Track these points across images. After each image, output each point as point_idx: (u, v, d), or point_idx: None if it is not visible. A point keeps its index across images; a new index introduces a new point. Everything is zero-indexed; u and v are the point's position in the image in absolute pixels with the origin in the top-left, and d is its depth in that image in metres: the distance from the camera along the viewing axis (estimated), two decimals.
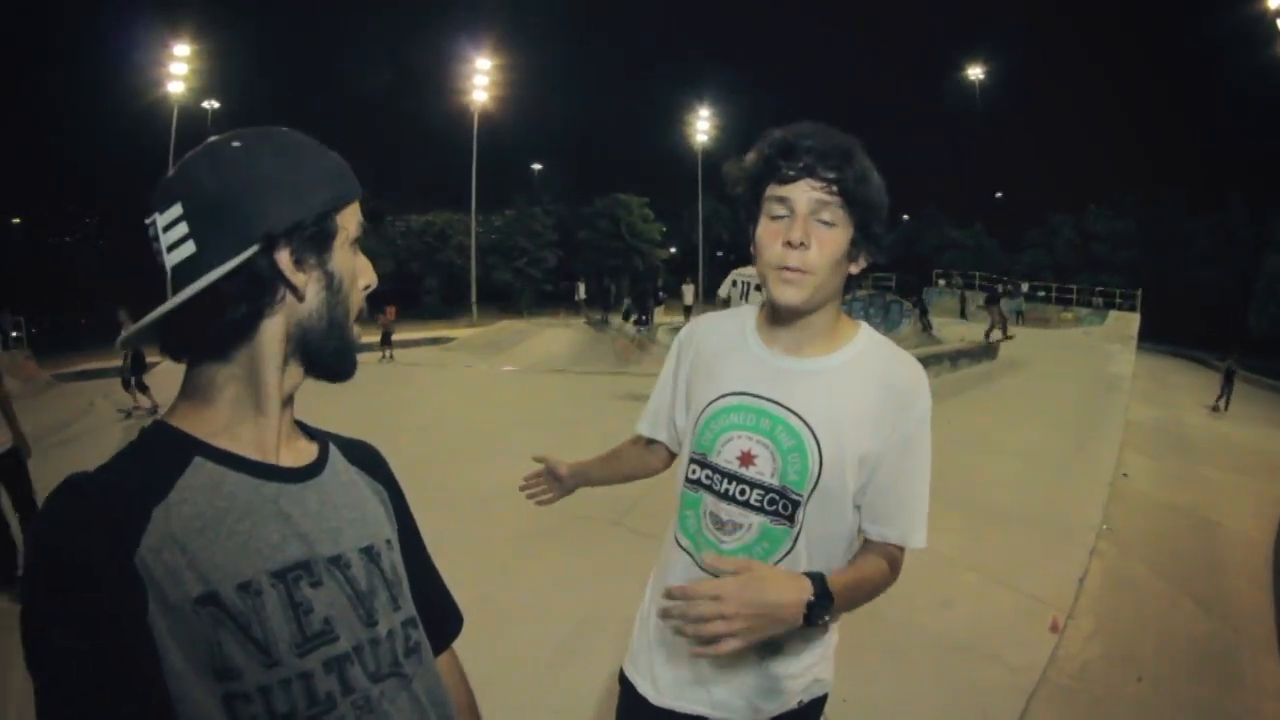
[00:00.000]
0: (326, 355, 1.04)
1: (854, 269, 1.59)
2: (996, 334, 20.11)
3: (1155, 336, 28.34)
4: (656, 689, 1.77)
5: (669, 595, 1.34)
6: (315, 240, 0.99)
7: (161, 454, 0.94)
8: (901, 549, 1.63)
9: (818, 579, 1.43)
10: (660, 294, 30.98)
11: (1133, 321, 27.04)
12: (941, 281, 36.42)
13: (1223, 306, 36.46)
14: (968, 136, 58.43)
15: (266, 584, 0.91)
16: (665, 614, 1.34)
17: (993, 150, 57.31)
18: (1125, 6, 58.48)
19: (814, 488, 1.57)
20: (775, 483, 1.59)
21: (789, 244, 1.50)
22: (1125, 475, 8.57)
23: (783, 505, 1.59)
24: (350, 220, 1.05)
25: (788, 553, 1.61)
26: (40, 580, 0.82)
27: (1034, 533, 6.29)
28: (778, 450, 1.59)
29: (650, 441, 2.00)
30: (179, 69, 33.48)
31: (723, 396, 1.66)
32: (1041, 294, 34.23)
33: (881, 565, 1.60)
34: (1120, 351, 20.75)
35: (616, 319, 27.48)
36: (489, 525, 6.05)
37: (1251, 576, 6.12)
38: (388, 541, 1.12)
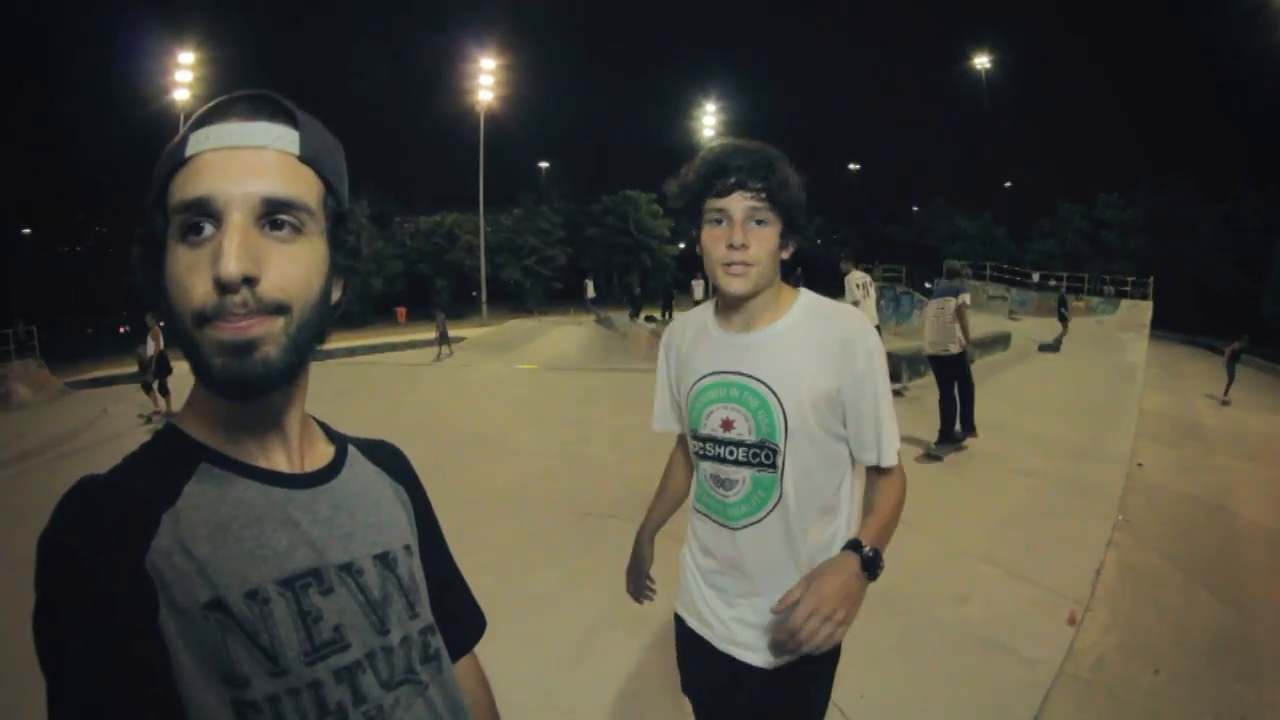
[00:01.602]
0: (197, 375, 0.92)
1: (785, 254, 1.89)
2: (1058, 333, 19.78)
3: (1167, 325, 28.13)
4: (703, 623, 2.08)
5: (780, 643, 1.60)
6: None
7: (170, 459, 0.94)
8: (889, 467, 1.90)
9: (854, 544, 1.70)
10: (674, 289, 30.95)
11: (1145, 310, 26.82)
12: None
13: (1234, 294, 36.21)
14: (976, 126, 58.24)
15: (274, 592, 0.90)
16: (779, 649, 1.64)
17: (1001, 140, 57.12)
18: None
19: (786, 434, 1.85)
20: (753, 439, 1.88)
21: (731, 246, 1.80)
22: (1140, 465, 8.52)
23: (764, 455, 1.88)
24: (174, 195, 0.90)
25: (779, 498, 1.89)
26: (52, 581, 0.81)
27: (1050, 524, 6.27)
28: (749, 411, 1.88)
29: (677, 443, 2.34)
30: (185, 76, 33.55)
31: (700, 379, 1.97)
32: (1052, 283, 34.01)
33: (888, 490, 1.89)
34: (1133, 340, 20.62)
35: (623, 317, 27.49)
36: (501, 523, 6.08)
37: (1269, 566, 6.07)
38: (406, 547, 1.10)
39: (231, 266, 0.84)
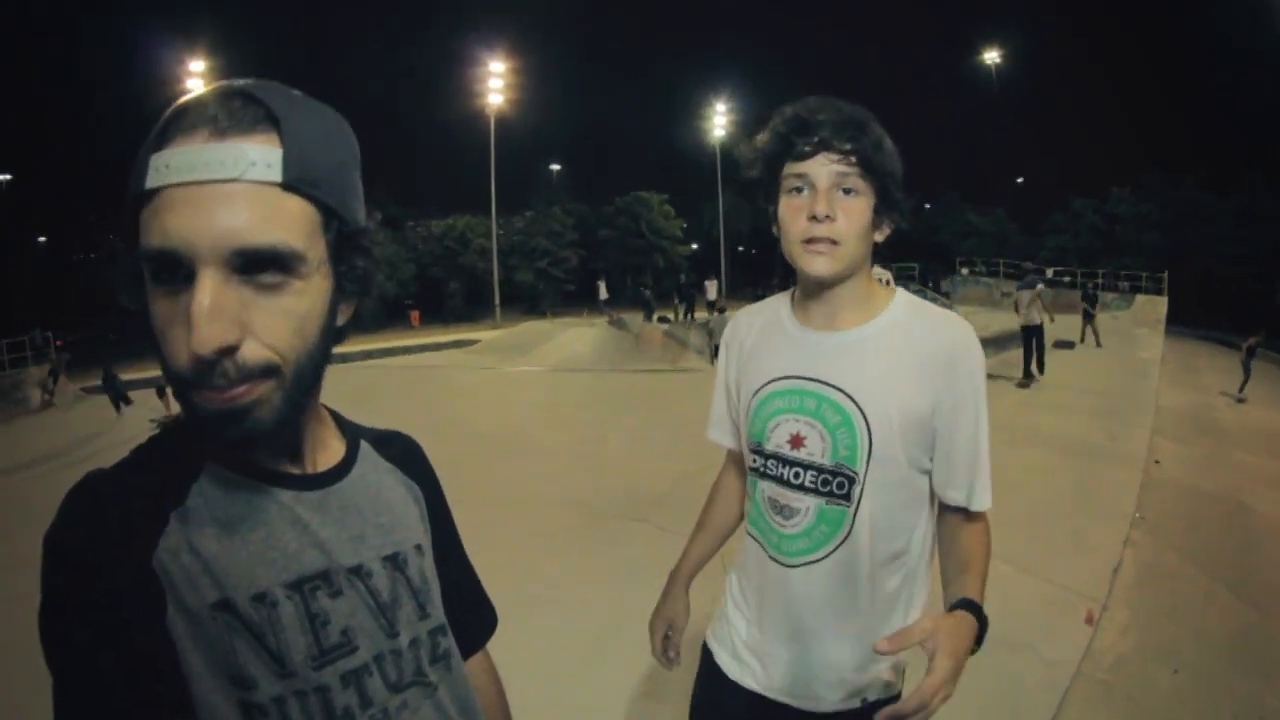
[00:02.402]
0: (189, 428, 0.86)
1: (878, 236, 1.59)
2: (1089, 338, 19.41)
3: (1182, 320, 27.94)
4: (737, 660, 1.79)
5: (901, 714, 1.26)
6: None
7: (178, 457, 0.92)
8: (979, 512, 1.61)
9: (975, 608, 1.45)
10: (692, 290, 30.77)
11: (1160, 305, 26.64)
12: (965, 269, 36.05)
13: (1250, 287, 35.92)
14: (988, 122, 58.05)
15: (281, 595, 0.88)
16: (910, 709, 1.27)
17: (1013, 135, 56.93)
18: None
19: (868, 462, 1.56)
20: (828, 462, 1.59)
21: (814, 218, 1.50)
22: (1158, 462, 8.47)
23: (837, 484, 1.59)
24: (141, 234, 0.79)
25: (846, 536, 1.60)
26: (57, 578, 0.80)
27: (1067, 522, 6.23)
28: (825, 428, 1.59)
29: (731, 451, 1.97)
30: (196, 85, 33.72)
31: (767, 383, 1.67)
32: (1066, 279, 33.80)
33: (979, 539, 1.62)
34: (1149, 336, 20.50)
35: (637, 319, 27.50)
36: (512, 522, 6.08)
37: None
38: (417, 547, 1.08)
39: (203, 340, 0.74)
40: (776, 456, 1.65)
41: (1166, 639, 4.52)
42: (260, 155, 0.78)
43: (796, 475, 1.62)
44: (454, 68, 45.32)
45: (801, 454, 1.62)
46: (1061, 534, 5.95)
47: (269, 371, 0.80)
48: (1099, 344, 18.99)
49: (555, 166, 59.07)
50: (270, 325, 0.79)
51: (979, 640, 1.43)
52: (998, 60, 53.16)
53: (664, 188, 52.32)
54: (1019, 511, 6.36)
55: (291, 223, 0.80)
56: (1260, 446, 10.53)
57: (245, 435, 0.81)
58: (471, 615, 1.24)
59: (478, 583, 1.29)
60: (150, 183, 0.77)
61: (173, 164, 0.76)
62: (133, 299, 0.83)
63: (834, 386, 1.58)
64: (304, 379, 0.85)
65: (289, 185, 0.80)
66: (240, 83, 0.82)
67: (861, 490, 1.57)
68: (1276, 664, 4.41)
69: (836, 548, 1.61)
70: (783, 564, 1.66)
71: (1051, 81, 60.31)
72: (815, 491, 1.61)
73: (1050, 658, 4.13)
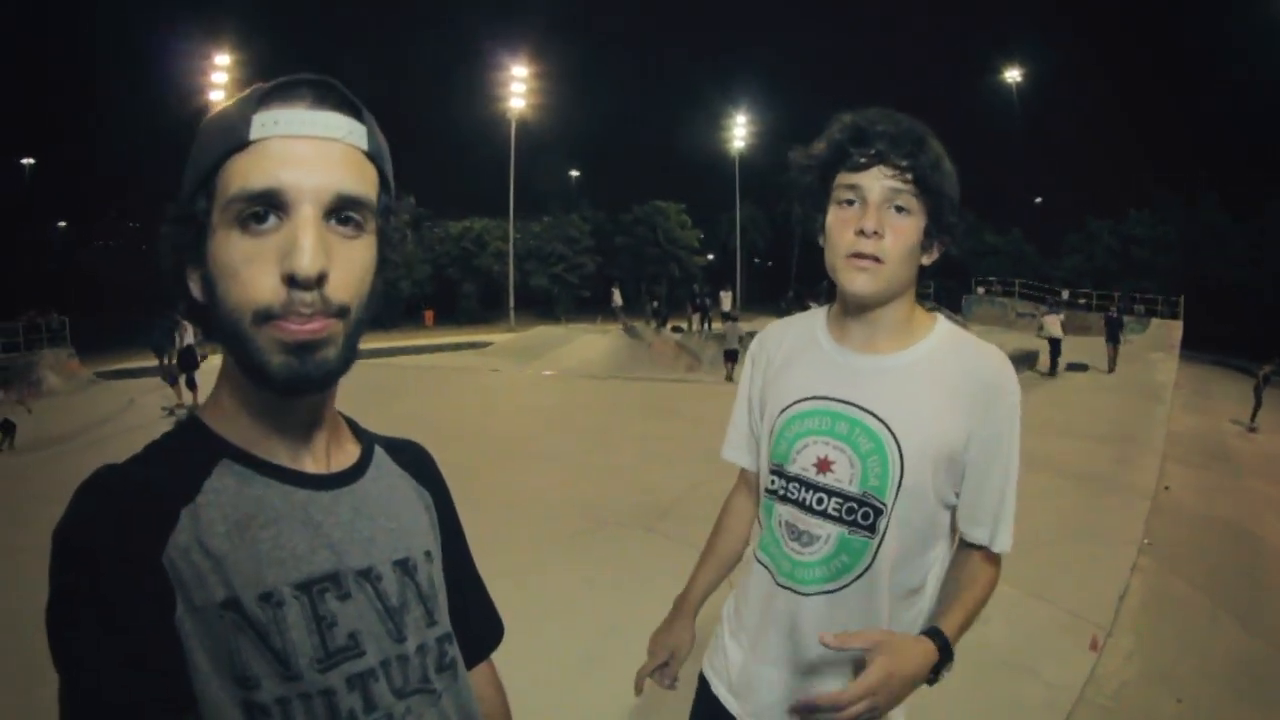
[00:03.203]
0: (248, 371, 0.89)
1: (926, 260, 1.53)
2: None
3: (1198, 344, 27.75)
4: (735, 695, 1.72)
5: (814, 706, 1.30)
6: (181, 227, 0.91)
7: (191, 452, 0.92)
8: (998, 554, 1.56)
9: (940, 638, 1.41)
10: (707, 300, 30.57)
11: (1175, 329, 26.51)
12: (981, 289, 35.94)
13: (1268, 313, 35.61)
14: (1005, 141, 57.88)
15: (289, 595, 0.88)
16: (808, 710, 1.31)
17: (1032, 155, 56.73)
18: (1162, 8, 57.61)
19: (897, 493, 1.48)
20: (855, 490, 1.51)
21: (862, 232, 1.44)
22: (1167, 488, 8.43)
23: (863, 514, 1.51)
24: (232, 180, 0.86)
25: (866, 568, 1.52)
26: (67, 574, 0.79)
27: (1074, 547, 6.21)
28: (856, 454, 1.51)
29: (744, 472, 1.89)
30: (220, 78, 33.93)
31: (797, 402, 1.59)
32: (1082, 301, 33.64)
33: (985, 577, 1.55)
34: (1162, 360, 20.39)
35: (648, 326, 27.54)
36: (519, 528, 6.09)
37: None
38: (426, 553, 1.08)
39: (309, 264, 0.82)
40: (800, 480, 1.57)
41: (1170, 666, 4.50)
42: (353, 126, 0.90)
43: (820, 501, 1.54)
44: (477, 70, 45.54)
45: (828, 479, 1.53)
46: (1069, 559, 5.92)
47: (342, 311, 0.87)
48: (1111, 369, 18.87)
49: (574, 172, 59.28)
50: (346, 269, 0.88)
51: (936, 672, 1.40)
52: (1019, 79, 53.04)
53: (682, 197, 52.25)
54: (1027, 535, 6.26)
55: (370, 183, 0.92)
56: (1272, 474, 10.47)
57: (315, 371, 0.87)
58: (478, 625, 1.24)
59: (485, 593, 1.28)
60: (255, 135, 0.85)
61: (281, 120, 0.86)
62: (178, 252, 0.92)
63: (869, 412, 1.51)
64: (359, 329, 0.92)
65: (369, 154, 0.92)
66: (317, 75, 0.92)
67: (888, 523, 1.50)
68: None
69: (855, 579, 1.53)
70: (795, 592, 1.58)
71: (1072, 102, 60.11)
72: (838, 520, 1.53)
73: (1053, 681, 4.12)
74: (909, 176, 1.43)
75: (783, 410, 1.61)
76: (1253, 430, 14.86)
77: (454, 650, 1.08)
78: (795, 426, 1.58)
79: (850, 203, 1.47)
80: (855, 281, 1.46)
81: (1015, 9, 59.92)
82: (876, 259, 1.44)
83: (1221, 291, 37.16)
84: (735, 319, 21.05)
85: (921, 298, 1.62)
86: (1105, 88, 60.69)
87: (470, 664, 1.16)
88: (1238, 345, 29.27)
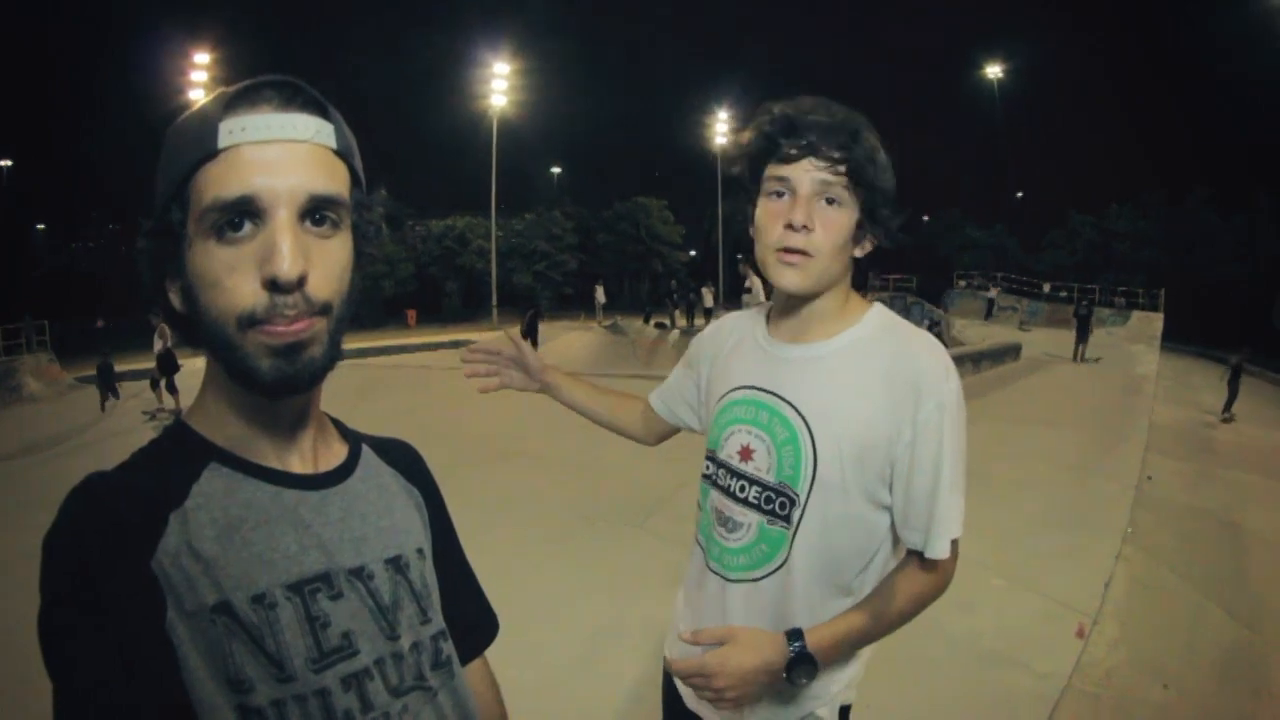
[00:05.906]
0: (235, 376, 0.89)
1: (858, 253, 1.51)
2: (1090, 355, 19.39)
3: (1179, 336, 28.01)
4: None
5: (671, 668, 1.46)
6: (157, 241, 0.90)
7: (178, 457, 0.92)
8: (934, 560, 1.47)
9: (796, 639, 1.43)
10: (691, 295, 30.52)
11: (1156, 321, 26.77)
12: (962, 283, 36.11)
13: (1248, 305, 35.92)
14: (988, 136, 58.12)
15: (281, 597, 0.88)
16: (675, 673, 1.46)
17: (1013, 150, 57.00)
18: (1147, 2, 57.94)
19: (811, 485, 1.47)
20: (772, 479, 1.51)
21: (790, 226, 1.42)
22: (1150, 478, 8.48)
23: (779, 504, 1.50)
24: (205, 190, 0.85)
25: (784, 560, 1.51)
26: (57, 583, 0.80)
27: (1059, 537, 6.23)
28: (773, 443, 1.51)
29: (650, 410, 2.00)
30: (199, 76, 33.68)
31: (730, 391, 1.61)
32: (1063, 294, 33.84)
33: (910, 584, 1.49)
34: (1144, 352, 20.57)
35: (635, 323, 27.55)
36: (507, 527, 6.05)
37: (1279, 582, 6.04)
38: (418, 551, 1.09)
39: (289, 268, 0.83)
40: (726, 466, 1.59)
41: (1156, 653, 4.53)
42: (320, 126, 0.90)
43: (742, 489, 1.55)
44: (457, 68, 45.23)
45: (748, 467, 1.54)
46: (1054, 548, 5.95)
47: (325, 309, 0.88)
48: (1083, 359, 19.03)
49: (556, 169, 59.18)
50: (325, 268, 0.89)
51: (792, 675, 1.44)
52: (1000, 75, 53.30)
53: (664, 193, 52.39)
54: (1012, 525, 6.36)
55: (341, 181, 0.92)
56: (1252, 464, 10.55)
57: (303, 371, 0.88)
58: (472, 621, 1.23)
59: (479, 590, 1.28)
60: (224, 143, 0.85)
61: (248, 126, 0.86)
62: (157, 264, 0.92)
63: (786, 401, 1.51)
64: (342, 325, 0.93)
65: (338, 152, 0.92)
66: (280, 76, 0.91)
67: (802, 514, 1.48)
68: (1266, 681, 4.42)
69: (774, 570, 1.52)
70: (723, 577, 1.59)
71: (1054, 97, 60.35)
72: (758, 508, 1.53)
73: (1041, 670, 4.14)
74: (841, 169, 1.41)
75: (720, 399, 1.64)
76: (1226, 420, 14.82)
77: (449, 647, 1.08)
78: (727, 414, 1.61)
79: (780, 195, 1.45)
80: (784, 277, 1.46)
81: (998, 3, 60.10)
82: (805, 253, 1.43)
83: (1204, 285, 37.48)
84: (718, 315, 21.10)
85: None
86: (1089, 82, 61.01)
87: (465, 660, 1.16)
88: (1222, 338, 29.53)
